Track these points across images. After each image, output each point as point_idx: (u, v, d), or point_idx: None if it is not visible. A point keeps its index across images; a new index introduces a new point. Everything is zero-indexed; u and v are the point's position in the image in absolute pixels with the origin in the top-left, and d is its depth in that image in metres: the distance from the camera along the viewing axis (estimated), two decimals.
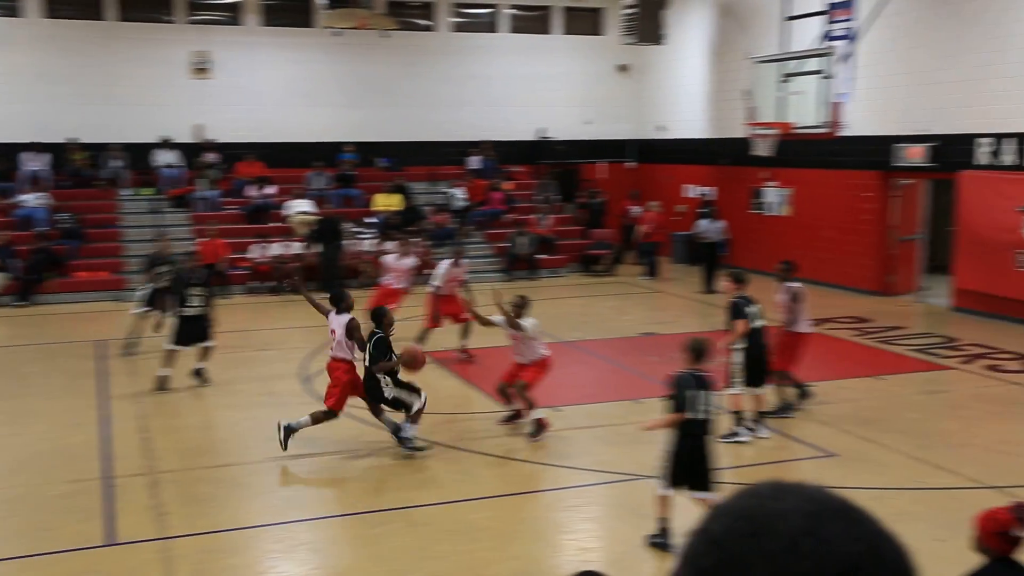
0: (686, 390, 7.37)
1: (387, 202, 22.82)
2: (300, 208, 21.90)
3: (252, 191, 22.48)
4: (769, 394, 10.78)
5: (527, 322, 10.49)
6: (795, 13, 19.55)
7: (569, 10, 26.02)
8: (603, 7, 26.04)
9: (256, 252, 20.58)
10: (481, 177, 24.26)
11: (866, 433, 10.40)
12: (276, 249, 20.55)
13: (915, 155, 17.59)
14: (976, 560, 4.66)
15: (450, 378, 13.11)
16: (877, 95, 18.34)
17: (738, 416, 10.25)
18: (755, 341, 10.23)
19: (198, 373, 12.52)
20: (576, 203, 25.30)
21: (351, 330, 9.88)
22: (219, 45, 23.35)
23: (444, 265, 14.28)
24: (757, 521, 1.03)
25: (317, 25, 23.69)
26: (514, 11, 25.76)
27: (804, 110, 18.60)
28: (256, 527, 8.18)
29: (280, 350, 15.08)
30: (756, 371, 10.29)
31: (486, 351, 13.84)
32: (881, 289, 18.90)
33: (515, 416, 10.78)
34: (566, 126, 25.74)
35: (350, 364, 9.97)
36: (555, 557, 7.81)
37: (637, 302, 19.41)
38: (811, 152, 19.82)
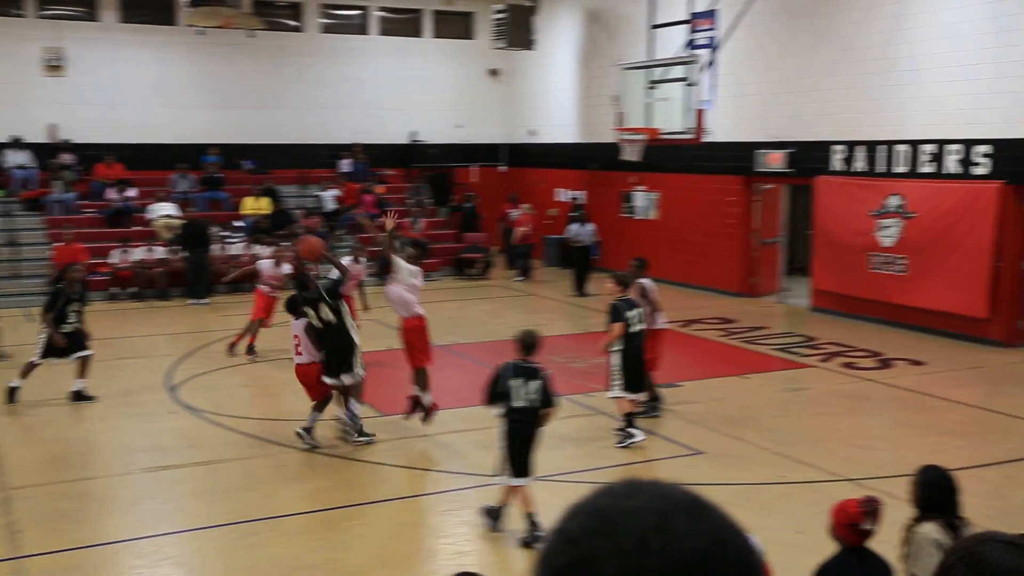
0: (508, 380, 7.70)
1: (256, 205, 22.35)
2: (164, 211, 21.26)
3: (112, 194, 21.68)
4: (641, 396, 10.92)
5: (410, 267, 10.49)
6: (661, 21, 20.00)
7: (439, 14, 26.00)
8: (473, 11, 26.13)
9: (117, 257, 19.86)
10: (353, 180, 24.02)
11: (731, 430, 10.70)
12: (138, 254, 19.88)
13: (775, 161, 18.23)
14: (833, 549, 4.85)
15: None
16: (739, 103, 18.95)
17: (627, 419, 10.29)
18: (633, 344, 10.28)
19: (78, 395, 11.79)
20: (449, 207, 25.31)
21: (308, 331, 9.96)
22: (73, 41, 22.41)
23: (345, 262, 13.96)
24: (610, 519, 1.05)
25: (180, 23, 23.02)
26: (384, 13, 25.60)
27: (670, 116, 19.01)
28: (119, 542, 7.87)
29: (144, 358, 14.59)
30: (633, 375, 10.38)
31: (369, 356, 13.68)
32: (745, 291, 19.50)
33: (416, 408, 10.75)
34: (438, 129, 25.71)
35: (319, 364, 10.03)
36: (431, 562, 7.79)
37: (510, 305, 19.53)
38: (677, 157, 20.31)
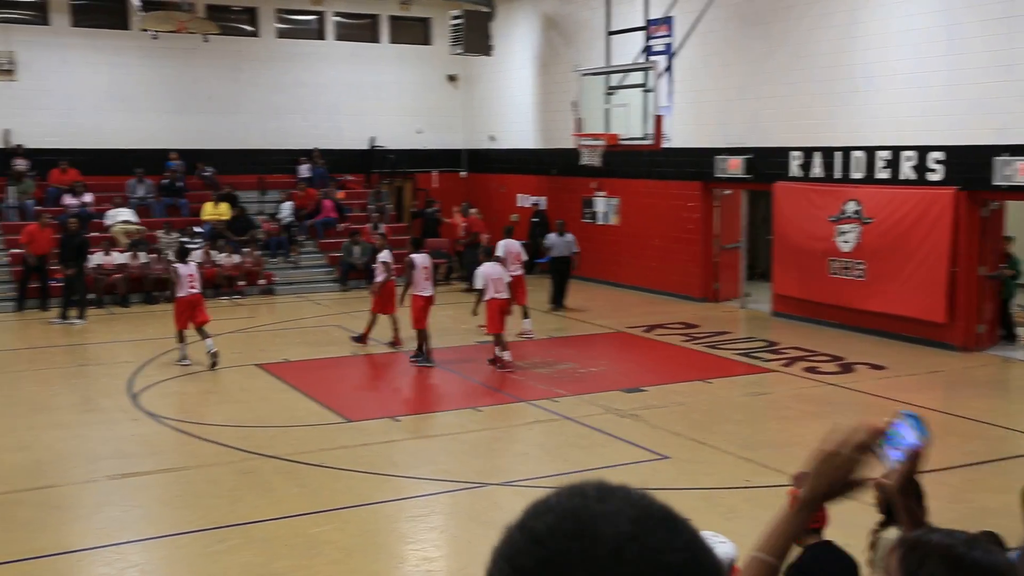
0: None
1: (215, 211, 22.16)
2: (121, 217, 21.03)
3: (69, 199, 21.35)
4: None
5: None
6: (617, 28, 20.11)
7: (396, 19, 25.94)
8: (430, 17, 26.08)
9: None
10: (312, 186, 23.89)
11: (696, 435, 10.75)
12: (97, 259, 19.55)
13: (734, 167, 18.40)
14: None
15: (287, 390, 12.80)
16: (696, 109, 19.08)
17: None
18: None
19: None
20: (410, 212, 25.26)
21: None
22: (24, 45, 21.99)
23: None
24: (582, 522, 1.02)
25: (133, 27, 22.72)
26: (340, 19, 25.48)
27: (629, 122, 19.17)
28: (83, 551, 7.75)
29: (105, 365, 14.41)
30: None
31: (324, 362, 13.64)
32: (707, 296, 19.62)
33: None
34: (398, 135, 25.63)
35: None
36: (399, 568, 7.76)
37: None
38: (637, 163, 20.42)
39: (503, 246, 16.52)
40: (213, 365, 13.64)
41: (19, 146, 21.75)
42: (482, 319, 14.28)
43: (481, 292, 14.08)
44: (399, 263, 15.75)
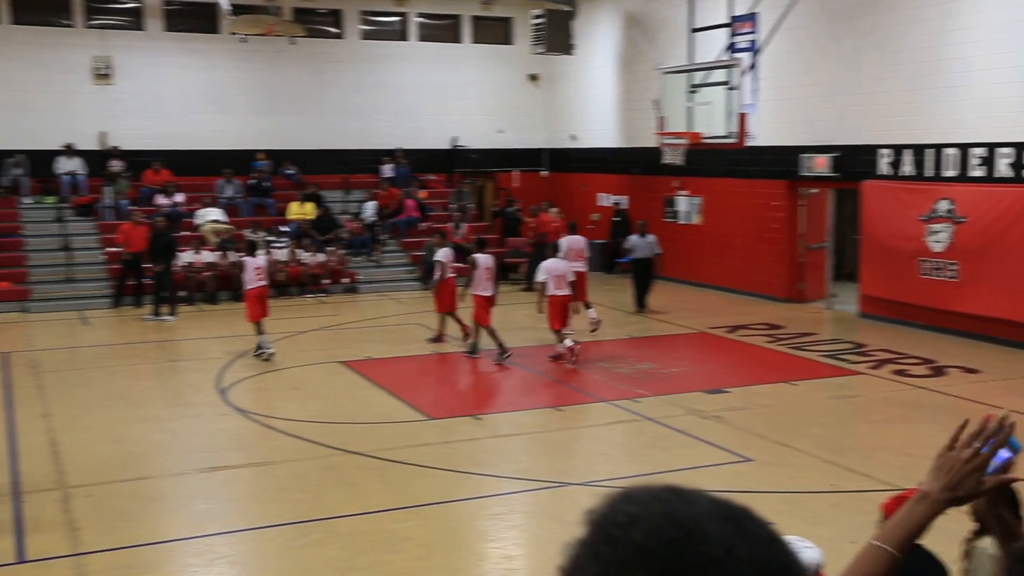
0: None
1: (301, 211, 22.55)
2: (211, 217, 21.52)
3: (161, 199, 21.95)
4: None
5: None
6: (701, 25, 19.90)
7: (478, 19, 26.07)
8: (512, 17, 26.15)
9: None
10: (395, 185, 24.16)
11: (780, 437, 10.58)
12: (187, 257, 20.07)
13: (820, 165, 18.06)
14: None
15: (370, 387, 12.97)
16: (781, 106, 18.78)
17: None
18: None
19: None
20: (492, 211, 25.36)
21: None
22: (120, 50, 22.71)
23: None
24: (684, 526, 0.99)
25: (223, 31, 23.26)
26: (423, 20, 25.70)
27: (712, 120, 18.91)
28: (173, 541, 7.96)
29: (195, 361, 14.78)
30: None
31: (403, 359, 13.77)
32: (792, 296, 19.29)
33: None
34: (479, 135, 25.77)
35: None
36: (479, 566, 7.79)
37: None
38: (720, 161, 20.19)
39: (566, 242, 16.67)
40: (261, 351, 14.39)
41: (115, 147, 22.44)
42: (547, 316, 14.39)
43: (543, 287, 14.16)
44: (463, 262, 15.78)
